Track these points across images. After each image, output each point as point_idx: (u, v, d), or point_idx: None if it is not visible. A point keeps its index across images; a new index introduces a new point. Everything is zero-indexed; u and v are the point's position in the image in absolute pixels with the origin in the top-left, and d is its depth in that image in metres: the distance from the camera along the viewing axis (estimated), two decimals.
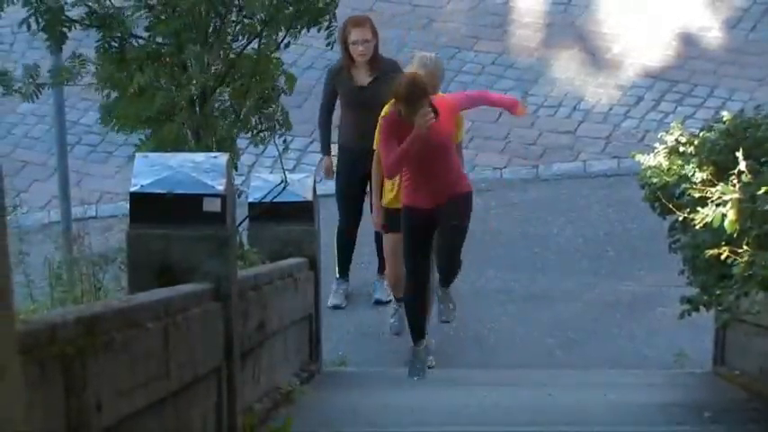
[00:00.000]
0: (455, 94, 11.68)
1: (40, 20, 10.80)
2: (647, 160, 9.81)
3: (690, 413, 8.87)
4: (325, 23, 10.99)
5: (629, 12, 18.70)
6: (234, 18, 11.06)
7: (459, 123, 11.69)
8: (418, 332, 11.06)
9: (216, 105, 11.01)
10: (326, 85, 13.18)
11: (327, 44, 11.19)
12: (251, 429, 7.58)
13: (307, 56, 16.69)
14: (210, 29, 10.87)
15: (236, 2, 11.00)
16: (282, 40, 11.26)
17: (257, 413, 7.99)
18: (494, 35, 18.75)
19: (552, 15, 18.96)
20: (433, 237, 10.86)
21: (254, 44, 11.15)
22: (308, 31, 11.10)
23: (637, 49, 18.30)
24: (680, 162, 9.35)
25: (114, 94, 11.20)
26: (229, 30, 11.07)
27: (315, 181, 10.94)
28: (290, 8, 10.89)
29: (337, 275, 13.44)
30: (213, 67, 10.94)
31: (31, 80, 11.25)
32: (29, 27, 10.89)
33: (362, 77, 12.79)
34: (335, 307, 13.20)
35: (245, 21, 11.09)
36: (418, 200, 10.77)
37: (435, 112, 10.49)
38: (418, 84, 10.52)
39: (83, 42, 11.70)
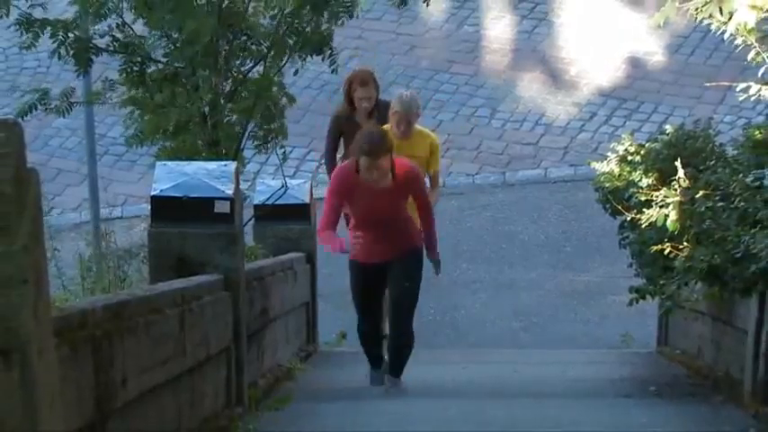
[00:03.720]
0: (418, 175, 8.71)
1: (69, 49, 10.82)
2: (601, 167, 9.81)
3: (636, 387, 8.87)
4: (328, 52, 11.01)
5: (584, 39, 18.72)
6: (241, 44, 11.06)
7: (434, 151, 10.36)
8: (375, 361, 9.02)
9: (225, 120, 11.01)
10: (332, 131, 11.87)
11: (332, 70, 11.21)
12: (256, 401, 7.57)
13: (304, 77, 16.66)
14: (220, 54, 10.87)
15: (243, 30, 11.01)
16: (284, 65, 11.26)
17: (262, 387, 7.98)
18: (467, 59, 18.75)
19: (517, 42, 18.96)
20: (384, 287, 8.81)
21: (260, 66, 11.17)
22: (312, 59, 11.11)
23: (591, 71, 18.32)
24: (629, 169, 9.35)
25: (136, 112, 11.23)
26: (237, 54, 11.07)
27: (311, 186, 10.92)
28: (292, 38, 10.91)
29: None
30: (222, 88, 10.95)
31: (65, 99, 11.27)
32: (59, 56, 10.90)
33: (364, 121, 12.34)
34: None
35: (252, 47, 11.09)
36: (366, 256, 8.49)
37: (393, 173, 8.30)
38: (384, 137, 8.39)
39: (109, 66, 11.70)
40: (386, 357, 8.99)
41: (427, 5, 11.64)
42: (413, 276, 8.63)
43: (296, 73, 11.33)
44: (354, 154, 8.35)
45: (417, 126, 10.10)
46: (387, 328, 9.29)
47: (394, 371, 8.78)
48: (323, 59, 11.06)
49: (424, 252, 8.77)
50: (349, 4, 10.87)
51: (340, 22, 10.98)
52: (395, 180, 8.33)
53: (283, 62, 11.17)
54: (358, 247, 8.35)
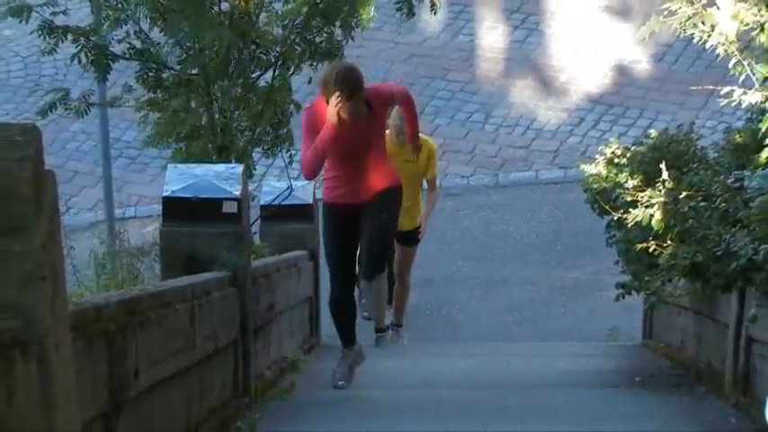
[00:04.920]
0: (396, 87, 8.25)
1: (88, 55, 10.82)
2: (589, 170, 9.81)
3: (623, 378, 8.87)
4: (338, 57, 11.00)
5: (573, 48, 18.72)
6: (250, 53, 11.06)
7: (431, 157, 10.49)
8: (346, 339, 8.14)
9: (234, 126, 11.01)
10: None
11: None
12: (262, 391, 7.57)
13: (307, 84, 16.66)
14: (231, 63, 10.87)
15: (253, 39, 11.00)
16: (292, 73, 11.25)
17: (267, 378, 7.98)
18: (462, 67, 18.75)
19: (510, 51, 18.96)
20: (357, 237, 7.87)
21: (268, 74, 11.18)
22: (321, 63, 11.09)
23: (580, 78, 18.31)
24: (615, 171, 9.35)
25: (152, 116, 11.24)
26: (247, 63, 11.06)
27: (315, 187, 10.92)
28: (299, 47, 10.90)
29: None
30: (233, 95, 10.96)
31: (84, 100, 11.28)
32: (79, 61, 10.90)
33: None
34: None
35: (261, 56, 11.09)
36: (342, 196, 7.79)
37: (369, 105, 7.66)
38: (355, 73, 7.61)
39: (123, 73, 11.69)
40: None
41: (435, 14, 11.63)
42: (390, 209, 7.83)
43: (310, 81, 11.32)
44: (324, 90, 7.58)
45: None
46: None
47: (367, 275, 7.83)
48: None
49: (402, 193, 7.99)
50: (359, 16, 10.87)
51: (351, 34, 10.97)
52: (370, 109, 7.67)
53: (291, 71, 11.17)
54: (332, 185, 7.79)
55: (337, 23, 10.82)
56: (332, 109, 7.39)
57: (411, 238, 10.66)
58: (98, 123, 14.20)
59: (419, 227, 10.52)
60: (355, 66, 7.82)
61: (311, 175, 7.68)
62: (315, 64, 10.99)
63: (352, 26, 10.86)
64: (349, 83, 7.41)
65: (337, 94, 7.36)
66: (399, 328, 11.12)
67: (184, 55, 10.83)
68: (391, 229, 7.98)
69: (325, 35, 10.87)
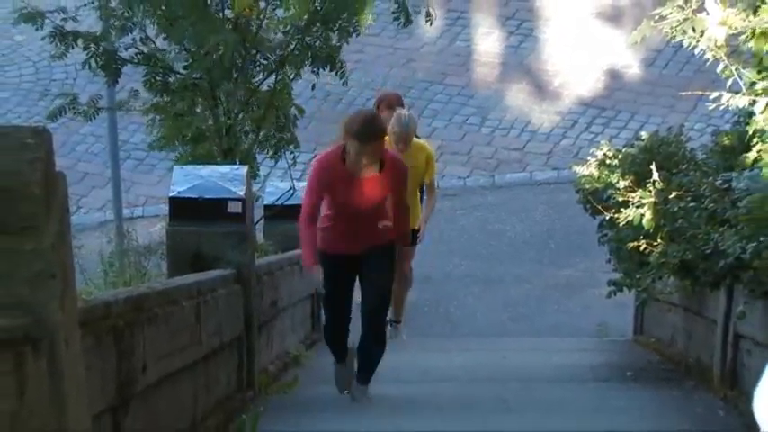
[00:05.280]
0: (405, 169, 7.48)
1: (98, 60, 10.85)
2: (581, 171, 9.80)
3: (614, 372, 8.87)
4: (339, 65, 11.01)
5: (566, 53, 18.71)
6: (252, 57, 11.06)
7: (429, 161, 10.16)
8: (339, 358, 7.79)
9: (239, 128, 11.02)
10: None
11: (342, 83, 11.25)
12: (266, 385, 7.57)
13: (310, 88, 16.67)
14: (235, 67, 10.88)
15: (255, 45, 11.00)
16: (294, 78, 11.26)
17: (271, 372, 7.98)
18: (459, 72, 18.74)
19: (505, 56, 18.96)
20: (352, 278, 7.51)
21: (270, 78, 11.18)
22: (324, 71, 11.09)
23: (573, 82, 18.31)
24: (607, 172, 9.34)
25: (158, 120, 11.25)
26: (250, 67, 11.07)
27: None
28: (302, 53, 10.91)
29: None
30: (237, 98, 10.96)
31: (93, 104, 11.30)
32: (89, 66, 10.93)
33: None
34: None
35: (263, 61, 11.09)
36: (335, 247, 7.35)
37: (382, 165, 7.16)
38: (379, 122, 7.28)
39: (131, 77, 11.70)
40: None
41: (430, 24, 11.64)
42: (385, 276, 7.46)
43: (313, 88, 11.34)
44: (344, 138, 7.14)
45: (414, 139, 10.10)
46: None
47: (363, 378, 7.59)
48: (336, 73, 11.07)
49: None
50: (356, 21, 10.88)
51: (349, 38, 10.98)
52: (383, 169, 7.20)
53: (293, 76, 11.18)
54: (326, 236, 7.36)
55: (335, 29, 10.84)
56: (359, 155, 7.05)
57: (411, 237, 10.56)
58: (107, 126, 14.20)
59: (418, 229, 10.45)
60: (378, 116, 7.62)
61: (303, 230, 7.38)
62: (315, 70, 11.01)
63: (349, 32, 10.87)
64: (374, 127, 7.11)
65: (360, 143, 7.00)
66: (398, 325, 11.11)
67: (190, 60, 10.84)
68: (387, 297, 7.63)
69: (323, 40, 10.88)
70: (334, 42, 10.93)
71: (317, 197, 7.30)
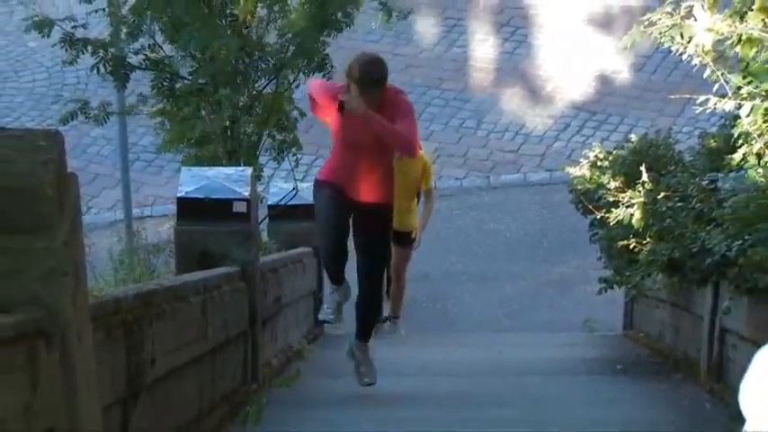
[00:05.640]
0: (408, 103, 7.20)
1: (107, 65, 10.87)
2: (574, 172, 9.81)
3: (605, 365, 8.87)
4: (328, 68, 11.07)
5: (559, 59, 18.71)
6: (254, 63, 11.11)
7: (426, 170, 9.97)
8: (336, 280, 7.43)
9: (242, 131, 11.04)
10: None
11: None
12: (270, 378, 7.56)
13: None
14: (237, 72, 10.91)
15: (257, 51, 11.05)
16: (294, 81, 11.29)
17: (275, 366, 7.98)
18: (455, 77, 18.75)
19: (500, 61, 18.96)
20: (348, 222, 7.18)
21: (272, 83, 11.21)
22: (315, 74, 11.15)
23: (565, 87, 18.31)
24: (598, 173, 9.34)
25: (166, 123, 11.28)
26: (252, 72, 11.11)
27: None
28: (299, 58, 10.97)
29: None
30: (241, 102, 10.99)
31: (103, 109, 11.34)
32: (98, 71, 10.95)
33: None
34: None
35: (263, 66, 11.13)
36: (337, 180, 7.04)
37: (383, 102, 6.87)
38: (381, 66, 6.96)
39: (140, 82, 11.71)
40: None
41: (405, 18, 11.65)
42: (382, 241, 7.30)
43: (297, 86, 11.37)
44: (347, 79, 6.88)
45: None
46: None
47: (362, 335, 7.50)
48: (324, 75, 11.14)
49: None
50: (347, 19, 11.00)
51: (337, 35, 11.10)
52: (386, 105, 6.88)
53: (293, 80, 11.21)
54: (332, 167, 7.13)
55: (328, 27, 10.94)
56: (351, 96, 6.76)
57: (406, 239, 10.44)
58: (117, 129, 14.21)
59: (412, 232, 10.32)
60: (380, 58, 7.13)
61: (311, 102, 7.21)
62: (310, 72, 11.08)
63: (339, 25, 11.00)
64: (372, 72, 6.81)
65: (363, 85, 6.73)
66: (397, 320, 11.10)
67: (196, 65, 10.87)
68: (384, 261, 7.52)
69: (320, 44, 10.96)
70: (327, 40, 11.03)
71: (319, 94, 7.07)
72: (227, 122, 10.78)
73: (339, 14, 10.93)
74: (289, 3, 11.02)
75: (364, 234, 7.19)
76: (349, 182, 7.03)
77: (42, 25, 10.92)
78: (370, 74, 6.81)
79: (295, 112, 11.42)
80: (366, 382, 7.44)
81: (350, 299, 7.59)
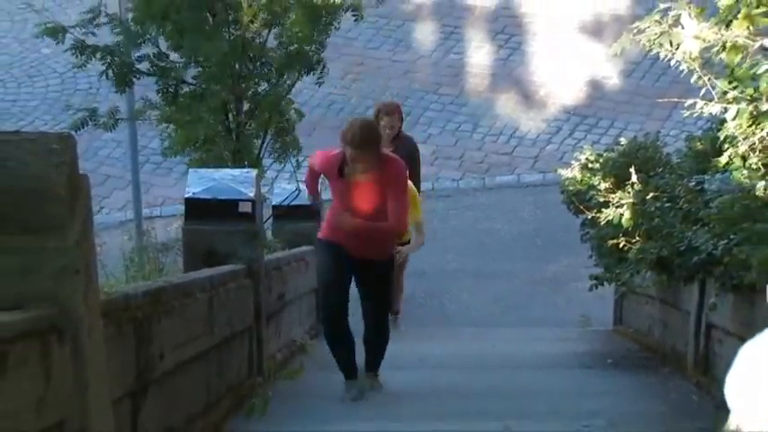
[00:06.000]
0: (404, 172, 7.07)
1: (114, 71, 10.94)
2: (565, 173, 9.81)
3: (596, 359, 8.86)
4: (319, 69, 11.13)
5: (552, 65, 18.71)
6: (257, 68, 11.16)
7: (415, 203, 8.98)
8: (346, 369, 7.28)
9: (246, 133, 11.07)
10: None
11: (319, 84, 11.40)
12: (274, 372, 7.56)
13: (314, 97, 16.65)
14: (238, 76, 10.95)
15: (257, 56, 11.09)
16: (293, 85, 11.31)
17: (279, 360, 7.98)
18: (452, 82, 18.73)
19: (495, 67, 18.94)
20: (350, 282, 7.15)
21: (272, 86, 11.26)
22: (307, 76, 11.24)
23: (557, 92, 18.30)
24: (589, 175, 9.34)
25: (170, 127, 11.30)
26: (251, 77, 11.16)
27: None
28: (296, 63, 11.04)
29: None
30: (242, 106, 11.03)
31: (111, 116, 11.38)
32: (107, 76, 11.01)
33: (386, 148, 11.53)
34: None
35: (266, 70, 11.17)
36: (339, 240, 7.02)
37: (383, 167, 6.87)
38: (373, 130, 6.92)
39: (149, 87, 11.71)
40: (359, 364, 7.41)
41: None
42: (385, 287, 7.24)
43: (291, 87, 11.45)
44: (341, 144, 6.85)
45: None
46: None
47: (371, 366, 7.35)
48: (317, 78, 11.22)
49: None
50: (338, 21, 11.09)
51: (329, 34, 11.17)
52: (381, 172, 6.86)
53: (292, 83, 11.24)
54: (332, 229, 7.06)
55: (320, 28, 10.99)
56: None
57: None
58: (127, 133, 14.20)
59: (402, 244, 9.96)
60: (372, 123, 7.25)
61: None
62: (301, 74, 11.17)
63: (330, 24, 11.10)
64: (370, 134, 6.79)
65: (356, 149, 6.70)
66: (398, 315, 11.07)
67: (200, 69, 10.91)
68: (388, 304, 7.46)
69: (317, 46, 11.03)
70: (322, 40, 11.09)
71: (316, 173, 7.30)
72: (238, 127, 10.81)
73: (332, 20, 10.99)
74: (286, 9, 11.05)
75: (368, 284, 7.15)
76: (350, 241, 6.99)
77: (55, 32, 10.96)
78: (362, 138, 6.72)
79: (293, 114, 11.45)
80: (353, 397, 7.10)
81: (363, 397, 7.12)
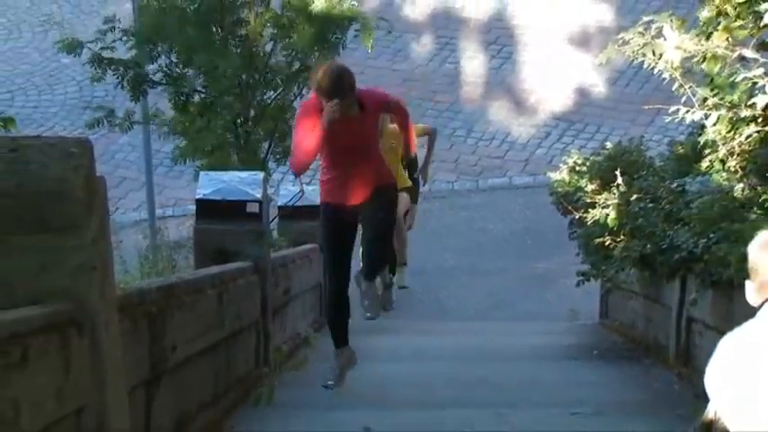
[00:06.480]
0: (391, 96, 6.77)
1: (128, 83, 11.01)
2: (554, 176, 9.79)
3: (583, 351, 8.86)
4: None
5: (541, 73, 18.71)
6: (264, 78, 11.18)
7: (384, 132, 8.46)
8: (338, 339, 6.90)
9: (252, 138, 11.09)
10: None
11: None
12: (280, 363, 7.55)
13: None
14: (246, 86, 10.98)
15: (264, 68, 11.12)
16: (298, 95, 11.32)
17: (284, 352, 7.97)
18: (447, 90, 18.73)
19: (488, 76, 18.95)
20: (353, 242, 6.73)
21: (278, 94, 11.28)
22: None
23: (547, 99, 18.30)
24: (577, 177, 9.33)
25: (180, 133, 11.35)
26: (259, 87, 11.19)
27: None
28: (302, 73, 11.04)
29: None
30: (248, 113, 11.05)
31: (127, 118, 11.43)
32: (123, 87, 11.06)
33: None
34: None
35: (271, 81, 11.19)
36: (338, 198, 6.52)
37: (361, 105, 6.29)
38: (344, 76, 6.19)
39: (162, 95, 11.72)
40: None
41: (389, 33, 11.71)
42: (387, 209, 6.57)
43: (299, 96, 11.44)
44: (316, 92, 6.19)
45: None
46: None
47: (368, 275, 6.71)
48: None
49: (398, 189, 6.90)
50: (343, 39, 11.08)
51: (338, 52, 11.16)
52: (362, 110, 6.31)
53: (297, 94, 11.25)
54: (330, 187, 6.53)
55: (327, 46, 10.99)
56: (326, 111, 6.08)
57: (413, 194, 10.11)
58: (142, 137, 14.21)
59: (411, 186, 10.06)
60: (345, 67, 6.36)
61: (298, 171, 6.46)
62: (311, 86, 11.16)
63: (337, 45, 11.08)
64: (340, 83, 6.12)
65: (330, 100, 6.05)
66: (403, 267, 10.85)
67: (210, 80, 10.94)
68: (389, 227, 6.69)
69: (321, 58, 11.04)
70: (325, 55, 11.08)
71: (304, 129, 6.25)
72: (239, 128, 10.82)
73: (337, 35, 10.97)
74: (291, 23, 11.06)
75: (372, 205, 6.48)
76: (349, 190, 6.49)
77: (72, 47, 11.00)
78: (335, 88, 6.09)
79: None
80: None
81: (354, 365, 6.91)
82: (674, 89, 6.49)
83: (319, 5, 10.78)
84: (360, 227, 6.67)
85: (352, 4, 11.09)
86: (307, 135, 6.18)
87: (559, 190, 9.58)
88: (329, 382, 6.79)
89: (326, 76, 6.13)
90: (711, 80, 6.30)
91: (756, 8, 5.96)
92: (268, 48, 11.22)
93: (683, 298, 7.30)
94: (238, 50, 10.86)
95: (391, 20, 11.81)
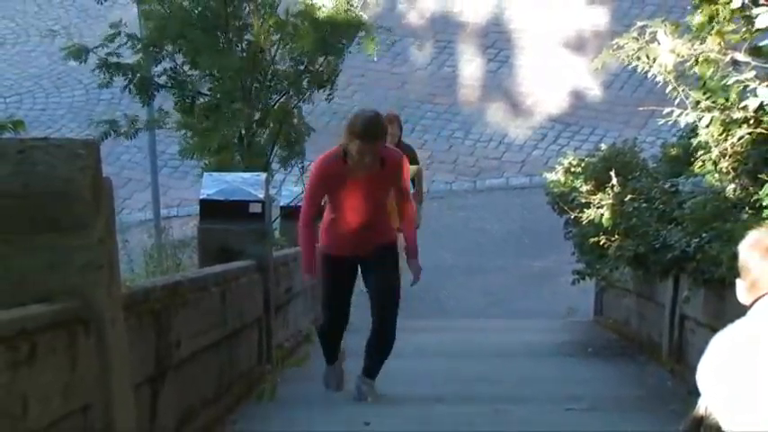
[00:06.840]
0: (405, 164, 6.41)
1: (135, 86, 11.02)
2: (550, 177, 9.79)
3: (578, 348, 8.86)
4: (328, 86, 11.16)
5: (538, 77, 18.71)
6: (267, 83, 11.18)
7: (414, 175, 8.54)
8: (330, 359, 6.79)
9: (256, 140, 11.10)
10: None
11: (329, 100, 11.41)
12: (282, 359, 7.55)
13: (319, 106, 16.67)
14: (250, 91, 10.98)
15: (268, 72, 11.12)
16: (301, 99, 11.33)
17: (286, 349, 7.97)
18: (446, 92, 18.74)
19: (486, 79, 18.95)
20: (352, 283, 6.53)
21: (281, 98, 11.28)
22: (318, 92, 11.25)
23: (543, 102, 18.31)
24: (572, 178, 9.33)
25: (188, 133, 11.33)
26: (264, 90, 11.19)
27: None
28: (306, 78, 11.06)
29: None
30: (253, 116, 11.05)
31: (132, 125, 11.45)
32: (130, 91, 11.07)
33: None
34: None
35: (275, 85, 11.20)
36: (340, 249, 6.35)
37: (382, 161, 6.15)
38: (380, 123, 6.14)
39: (168, 97, 11.72)
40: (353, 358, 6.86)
41: (393, 44, 11.77)
42: (394, 274, 6.44)
43: (304, 101, 11.47)
44: (346, 137, 6.09)
45: None
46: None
47: (370, 372, 6.54)
48: (327, 94, 11.24)
49: (401, 253, 6.66)
50: (348, 46, 11.09)
51: (342, 60, 11.19)
52: (382, 166, 6.18)
53: (301, 98, 11.26)
54: (332, 236, 6.36)
55: (333, 53, 11.01)
56: (357, 152, 5.99)
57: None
58: (147, 140, 14.21)
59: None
60: (380, 116, 6.25)
61: (306, 230, 6.36)
62: (313, 91, 11.19)
63: (341, 51, 11.10)
64: (379, 127, 6.10)
65: (364, 142, 5.97)
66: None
67: (215, 83, 10.94)
68: (398, 296, 6.46)
69: (326, 65, 11.05)
70: (333, 67, 11.09)
71: (318, 199, 6.32)
72: (243, 131, 10.83)
73: (342, 41, 10.97)
74: (296, 28, 11.05)
75: (376, 267, 6.38)
76: (351, 244, 6.33)
77: (78, 53, 11.03)
78: (372, 131, 6.03)
79: (303, 128, 11.48)
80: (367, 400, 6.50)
81: (342, 389, 6.75)
82: (667, 92, 6.49)
83: (325, 12, 10.78)
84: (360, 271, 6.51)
85: (358, 14, 11.09)
86: (316, 202, 6.30)
87: (555, 190, 9.58)
88: (336, 393, 6.76)
89: (366, 118, 6.07)
90: (704, 83, 6.30)
91: (748, 13, 5.97)
92: (273, 52, 11.22)
93: (676, 296, 7.30)
94: (243, 55, 10.87)
95: (392, 25, 11.82)
